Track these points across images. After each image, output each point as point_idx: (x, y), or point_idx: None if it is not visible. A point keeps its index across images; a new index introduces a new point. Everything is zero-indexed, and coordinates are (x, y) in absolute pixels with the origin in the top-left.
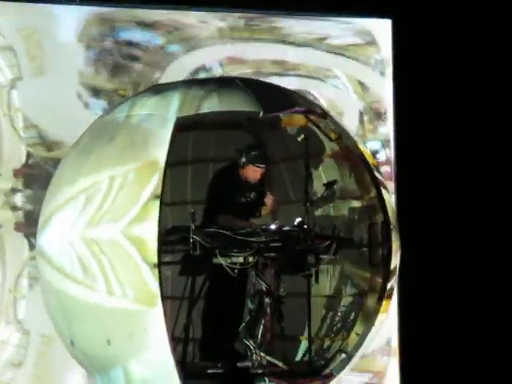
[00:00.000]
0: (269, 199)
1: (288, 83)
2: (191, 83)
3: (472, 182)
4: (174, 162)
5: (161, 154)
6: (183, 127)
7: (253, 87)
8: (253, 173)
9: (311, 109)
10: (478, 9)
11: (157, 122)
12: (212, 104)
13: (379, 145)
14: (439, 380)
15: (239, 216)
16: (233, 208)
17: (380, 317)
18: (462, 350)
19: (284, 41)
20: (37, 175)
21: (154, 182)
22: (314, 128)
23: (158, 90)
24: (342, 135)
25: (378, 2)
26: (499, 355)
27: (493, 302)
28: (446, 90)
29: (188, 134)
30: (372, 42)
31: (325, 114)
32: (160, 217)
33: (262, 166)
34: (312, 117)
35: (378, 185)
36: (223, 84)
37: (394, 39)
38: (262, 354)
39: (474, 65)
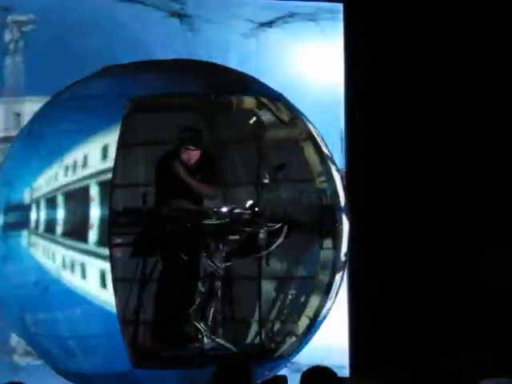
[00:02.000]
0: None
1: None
2: (144, 65)
3: (423, 171)
4: (126, 144)
5: (113, 135)
6: (135, 109)
7: (205, 69)
8: (188, 156)
9: (264, 92)
10: None
11: (109, 105)
12: (164, 86)
13: None
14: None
15: (188, 199)
16: (180, 191)
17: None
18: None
19: None
20: None
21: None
22: (267, 111)
23: (109, 72)
24: (295, 118)
25: None
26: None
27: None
28: (397, 78)
29: (140, 115)
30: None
31: (278, 97)
32: (111, 199)
33: (193, 148)
34: (264, 100)
35: (329, 168)
36: (176, 66)
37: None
38: (212, 336)
39: (427, 52)
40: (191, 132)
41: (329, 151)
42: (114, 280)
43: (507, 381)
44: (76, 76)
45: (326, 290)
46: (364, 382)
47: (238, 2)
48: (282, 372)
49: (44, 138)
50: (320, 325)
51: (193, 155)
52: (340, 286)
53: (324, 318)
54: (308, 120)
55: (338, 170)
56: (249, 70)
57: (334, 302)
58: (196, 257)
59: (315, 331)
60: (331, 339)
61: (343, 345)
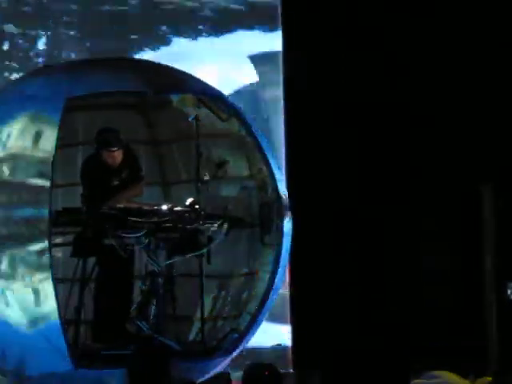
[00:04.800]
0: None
1: None
2: (79, 64)
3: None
4: (64, 144)
5: (51, 135)
6: (73, 108)
7: (144, 67)
8: (108, 157)
9: (203, 90)
10: None
11: (46, 104)
12: (102, 84)
13: None
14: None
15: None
16: (109, 193)
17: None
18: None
19: None
20: None
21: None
22: (206, 108)
23: (46, 71)
24: (234, 116)
25: None
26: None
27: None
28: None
29: (78, 114)
30: None
31: (217, 95)
32: (51, 199)
33: (111, 149)
34: (203, 98)
35: (269, 165)
36: (113, 64)
37: None
38: (154, 334)
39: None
40: (109, 133)
41: (268, 147)
42: (55, 280)
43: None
44: None
45: (268, 286)
46: (304, 375)
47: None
48: (225, 369)
49: None
50: (261, 321)
51: (115, 156)
52: (282, 282)
53: (266, 314)
54: (246, 117)
55: (277, 166)
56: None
57: (275, 299)
58: (137, 255)
59: (257, 328)
60: (273, 335)
61: (285, 340)
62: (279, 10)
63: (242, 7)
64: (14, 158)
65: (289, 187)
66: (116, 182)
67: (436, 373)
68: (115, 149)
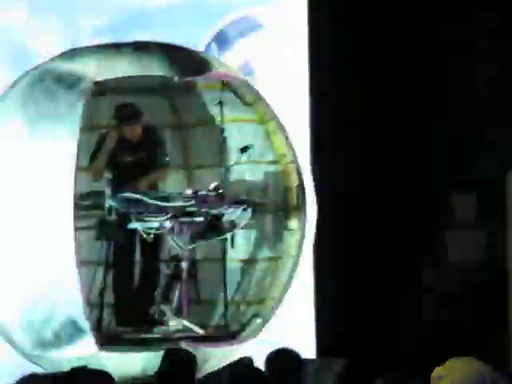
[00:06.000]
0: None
1: None
2: (107, 47)
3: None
4: (89, 127)
5: (76, 119)
6: (98, 92)
7: (168, 51)
8: (127, 131)
9: (227, 73)
10: None
11: (72, 87)
12: (127, 69)
13: None
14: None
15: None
16: (127, 169)
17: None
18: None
19: None
20: None
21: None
22: (230, 93)
23: (74, 54)
24: (258, 100)
25: None
26: None
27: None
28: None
29: (103, 98)
30: None
31: (241, 79)
32: (75, 181)
33: (129, 121)
34: (228, 81)
35: (293, 149)
36: (139, 48)
37: None
38: (177, 318)
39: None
40: (128, 108)
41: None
42: (79, 263)
43: None
44: None
45: (291, 272)
46: (328, 362)
47: None
48: (247, 354)
49: None
50: (285, 305)
51: (133, 132)
52: (305, 266)
53: (289, 298)
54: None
55: (303, 152)
56: None
57: (298, 283)
58: (161, 239)
59: (280, 312)
60: (296, 320)
61: (309, 325)
62: None
63: None
64: None
65: (313, 172)
66: (134, 158)
67: (458, 360)
68: (133, 121)
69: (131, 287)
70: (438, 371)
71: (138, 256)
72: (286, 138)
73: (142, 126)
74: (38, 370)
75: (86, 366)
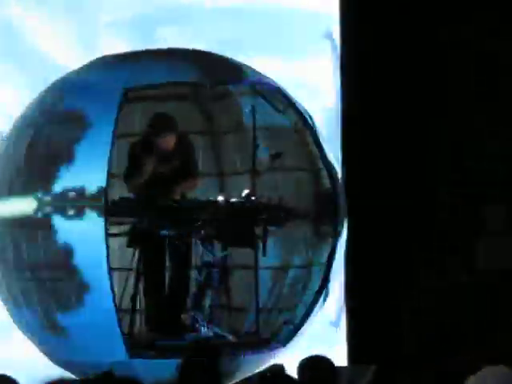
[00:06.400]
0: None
1: None
2: (140, 54)
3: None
4: (121, 134)
5: (109, 125)
6: (131, 99)
7: (201, 58)
8: (162, 142)
9: (260, 81)
10: None
11: (104, 94)
12: (160, 75)
13: None
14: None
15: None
16: (159, 179)
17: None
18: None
19: None
20: None
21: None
22: (262, 100)
23: (106, 61)
24: (291, 107)
25: None
26: None
27: None
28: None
29: (135, 105)
30: None
31: (274, 86)
32: (107, 188)
33: (166, 134)
34: (260, 89)
35: (325, 156)
36: (172, 55)
37: None
38: (209, 325)
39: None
40: (163, 117)
41: (324, 139)
42: (110, 269)
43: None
44: None
45: (323, 279)
46: (360, 370)
47: None
48: (279, 361)
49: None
50: (317, 313)
51: (168, 142)
52: (337, 274)
53: (321, 306)
54: (303, 108)
55: (334, 158)
56: None
57: (331, 291)
58: (192, 246)
59: (312, 320)
60: (328, 327)
61: (340, 333)
62: None
63: None
64: None
65: (345, 180)
66: (167, 166)
67: (492, 368)
68: (169, 133)
69: (163, 294)
70: (470, 381)
71: (169, 262)
72: (318, 144)
73: (176, 136)
74: (67, 375)
75: (114, 372)
